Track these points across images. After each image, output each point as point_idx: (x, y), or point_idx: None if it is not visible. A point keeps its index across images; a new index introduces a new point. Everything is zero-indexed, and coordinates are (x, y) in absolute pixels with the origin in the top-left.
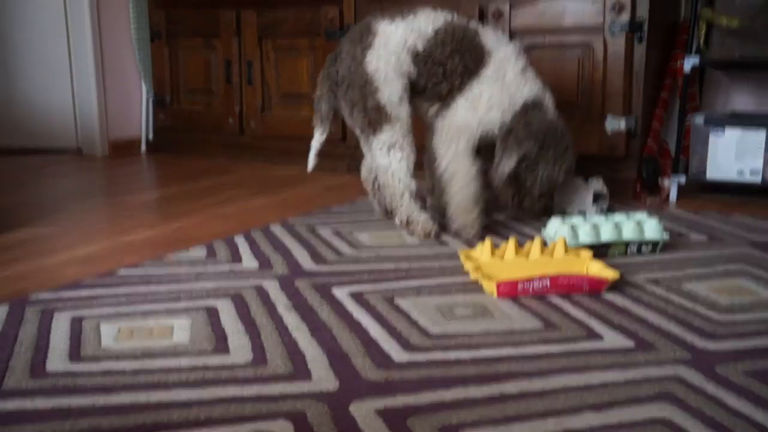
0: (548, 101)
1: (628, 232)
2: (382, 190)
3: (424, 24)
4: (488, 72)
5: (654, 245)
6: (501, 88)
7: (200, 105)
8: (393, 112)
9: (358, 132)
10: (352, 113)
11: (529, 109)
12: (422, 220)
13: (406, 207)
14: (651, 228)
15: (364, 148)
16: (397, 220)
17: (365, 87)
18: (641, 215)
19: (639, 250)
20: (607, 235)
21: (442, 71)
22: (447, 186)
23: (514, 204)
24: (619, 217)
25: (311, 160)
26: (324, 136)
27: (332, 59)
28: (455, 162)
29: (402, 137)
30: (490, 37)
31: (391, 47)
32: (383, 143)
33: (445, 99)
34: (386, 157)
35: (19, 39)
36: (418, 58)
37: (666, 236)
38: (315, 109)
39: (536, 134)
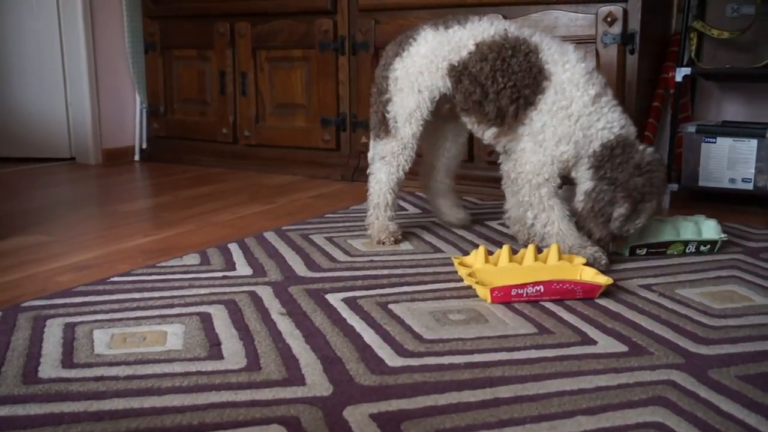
0: (631, 131)
1: (687, 232)
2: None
3: (467, 35)
4: (548, 99)
5: (712, 245)
6: (567, 118)
7: (194, 115)
8: (395, 127)
9: None
10: (371, 112)
11: (630, 145)
12: (378, 227)
13: (373, 214)
14: (709, 228)
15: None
16: (366, 223)
17: (381, 95)
18: (699, 216)
19: (698, 250)
20: (666, 234)
21: (480, 91)
22: (546, 237)
23: (600, 241)
24: (678, 218)
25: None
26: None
27: (381, 66)
28: (545, 215)
29: (392, 154)
30: (552, 55)
31: (419, 59)
32: (377, 152)
33: (502, 125)
34: (377, 164)
35: (13, 49)
36: (452, 73)
37: (724, 236)
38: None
39: (640, 186)
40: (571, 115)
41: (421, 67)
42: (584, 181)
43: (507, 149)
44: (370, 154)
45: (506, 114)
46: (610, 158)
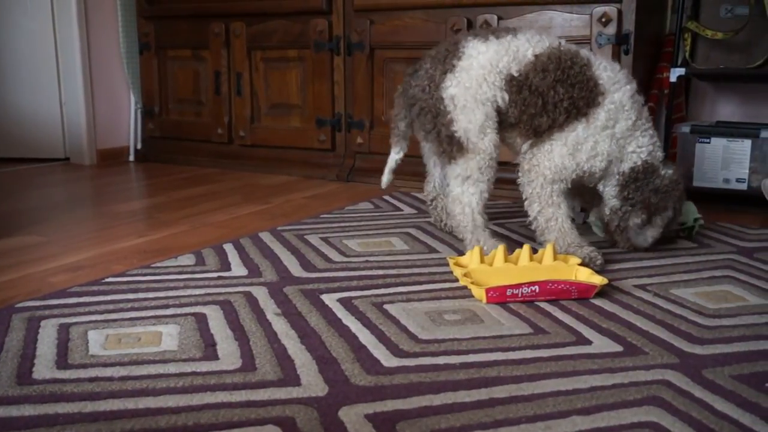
0: (658, 156)
1: None
2: (448, 214)
3: (524, 46)
4: (600, 115)
5: (689, 230)
6: (611, 137)
7: (189, 115)
8: (470, 143)
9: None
10: (426, 138)
11: (653, 171)
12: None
13: (473, 239)
14: (686, 212)
15: (429, 164)
16: (467, 250)
17: (439, 117)
18: None
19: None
20: None
21: (542, 103)
22: (546, 232)
23: (622, 244)
24: None
25: (385, 176)
26: (401, 155)
27: (410, 74)
28: (551, 210)
29: (478, 170)
30: (605, 73)
31: (476, 71)
32: (457, 174)
33: (543, 134)
34: (459, 187)
35: (7, 49)
36: (511, 84)
37: (700, 219)
38: (392, 126)
39: (654, 203)
40: (614, 135)
41: (479, 78)
42: (610, 197)
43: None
44: (429, 178)
45: (554, 125)
46: (633, 181)
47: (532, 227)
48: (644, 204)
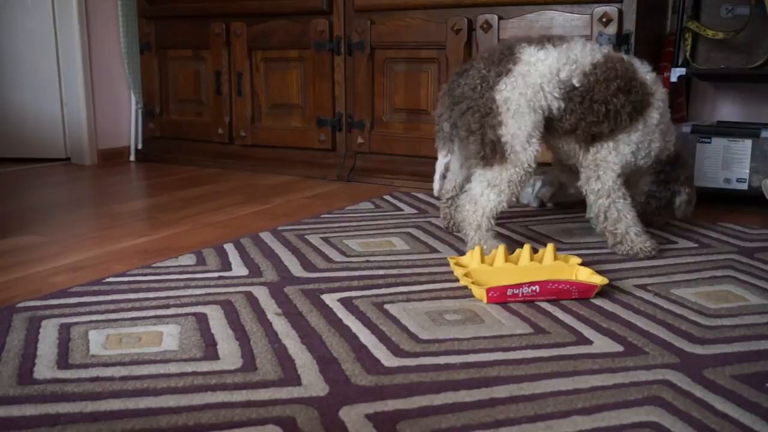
0: (678, 143)
1: None
2: (458, 211)
3: (581, 55)
4: (654, 115)
5: None
6: (661, 132)
7: (190, 115)
8: (513, 152)
9: (466, 151)
10: (467, 138)
11: (680, 155)
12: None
13: (476, 237)
14: None
15: (456, 164)
16: (467, 248)
17: (488, 117)
18: None
19: None
20: None
21: (605, 110)
22: (617, 222)
23: (658, 224)
24: None
25: (436, 183)
26: (448, 158)
27: (457, 74)
28: (622, 202)
29: (508, 183)
30: (648, 74)
31: (533, 78)
32: (486, 179)
33: (603, 137)
34: (481, 189)
35: (8, 49)
36: (572, 93)
37: None
38: (437, 128)
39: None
40: (663, 131)
41: (536, 86)
42: (646, 183)
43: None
44: (437, 175)
45: (616, 130)
46: (669, 165)
47: (599, 220)
48: (687, 182)
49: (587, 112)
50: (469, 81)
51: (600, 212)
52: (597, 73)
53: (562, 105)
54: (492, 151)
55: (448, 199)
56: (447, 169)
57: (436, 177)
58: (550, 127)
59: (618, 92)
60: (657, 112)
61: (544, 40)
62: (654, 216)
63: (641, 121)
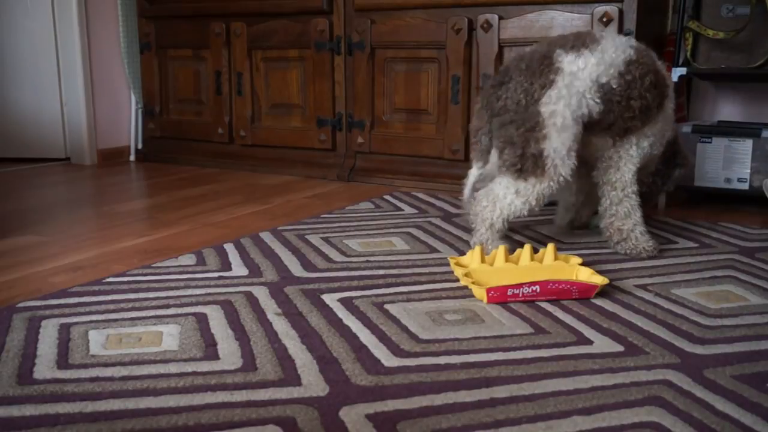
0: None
1: None
2: (473, 203)
3: (614, 55)
4: (670, 105)
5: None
6: (672, 121)
7: (190, 115)
8: (552, 165)
9: (498, 159)
10: (503, 150)
11: (675, 131)
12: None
13: (484, 235)
14: None
15: (494, 169)
16: (472, 241)
17: (533, 131)
18: None
19: None
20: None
21: (639, 105)
22: (626, 217)
23: (655, 195)
24: None
25: (467, 192)
26: (482, 171)
27: (494, 86)
28: (634, 197)
29: (536, 197)
30: (662, 65)
31: (577, 87)
32: (516, 188)
33: (631, 132)
34: (505, 192)
35: (7, 49)
36: (610, 95)
37: None
38: (474, 141)
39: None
40: (672, 118)
41: (579, 95)
42: (653, 164)
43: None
44: (469, 184)
45: (646, 122)
46: (670, 145)
47: (607, 213)
48: (684, 158)
49: (624, 110)
50: (510, 94)
51: (611, 205)
52: (632, 70)
53: (601, 108)
54: (533, 165)
55: (470, 198)
56: (479, 179)
57: (468, 187)
58: (586, 127)
59: (651, 87)
60: (671, 102)
61: (578, 43)
62: (659, 193)
63: (662, 113)
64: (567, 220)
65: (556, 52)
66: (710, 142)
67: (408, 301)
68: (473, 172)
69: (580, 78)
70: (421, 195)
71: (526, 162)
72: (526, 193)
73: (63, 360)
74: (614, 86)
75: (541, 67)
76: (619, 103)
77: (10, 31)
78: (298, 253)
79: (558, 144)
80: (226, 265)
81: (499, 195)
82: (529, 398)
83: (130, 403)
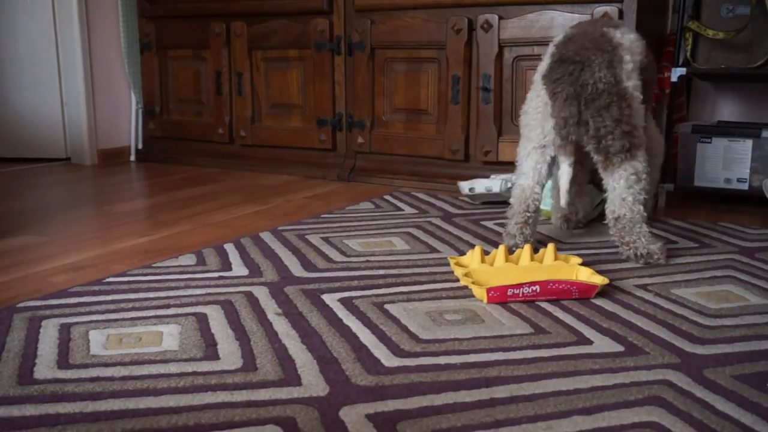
0: None
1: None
2: (621, 220)
3: (634, 34)
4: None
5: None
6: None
7: (190, 115)
8: (641, 136)
9: (598, 153)
10: (607, 134)
11: None
12: (657, 247)
13: (645, 236)
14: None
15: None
16: (637, 252)
17: (629, 107)
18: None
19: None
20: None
21: (646, 82)
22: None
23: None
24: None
25: (566, 194)
26: (572, 168)
27: (573, 73)
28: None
29: (644, 167)
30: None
31: (632, 62)
32: (632, 172)
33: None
34: (627, 188)
35: (7, 48)
36: (643, 72)
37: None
38: (563, 134)
39: None
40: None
41: (637, 70)
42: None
43: None
44: (567, 185)
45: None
46: None
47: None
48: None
49: (645, 86)
50: (598, 76)
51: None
52: (645, 48)
53: (640, 84)
54: (630, 140)
55: (615, 220)
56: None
57: (565, 187)
58: None
59: (652, 64)
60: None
61: (610, 24)
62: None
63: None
64: (562, 215)
65: (605, 30)
66: (710, 143)
67: (408, 301)
68: (568, 170)
69: (635, 52)
70: (421, 195)
71: (633, 138)
72: (640, 170)
73: (63, 360)
74: (645, 62)
75: (605, 44)
76: (642, 80)
77: (10, 30)
78: (299, 253)
79: (638, 117)
80: (227, 265)
81: (623, 196)
82: (529, 398)
83: (131, 403)
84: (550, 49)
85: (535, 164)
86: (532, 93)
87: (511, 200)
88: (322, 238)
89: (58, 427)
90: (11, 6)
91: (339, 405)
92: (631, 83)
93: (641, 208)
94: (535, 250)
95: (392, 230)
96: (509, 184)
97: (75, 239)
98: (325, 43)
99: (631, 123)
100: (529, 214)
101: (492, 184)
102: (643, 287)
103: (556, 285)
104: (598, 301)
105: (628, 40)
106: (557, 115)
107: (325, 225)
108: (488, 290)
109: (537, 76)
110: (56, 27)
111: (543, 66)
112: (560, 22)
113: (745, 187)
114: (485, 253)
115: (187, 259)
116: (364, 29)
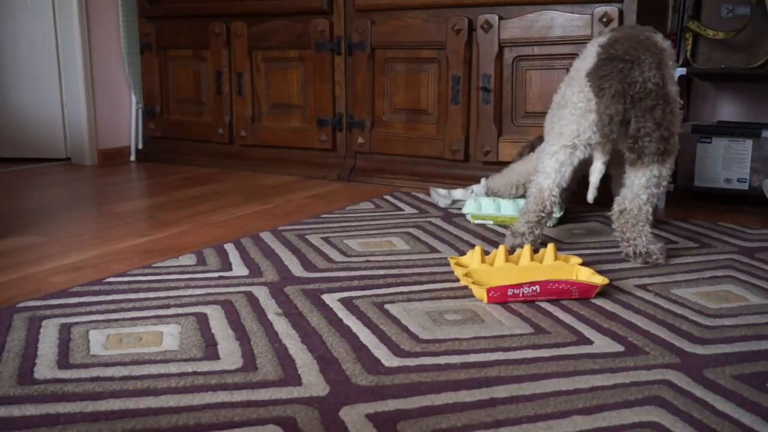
0: None
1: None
2: (626, 214)
3: (669, 42)
4: None
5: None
6: None
7: (190, 115)
8: (676, 144)
9: (631, 152)
10: (646, 136)
11: None
12: (658, 248)
13: (647, 235)
14: (507, 206)
15: (617, 173)
16: (637, 249)
17: (672, 112)
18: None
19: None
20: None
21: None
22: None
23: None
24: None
25: (592, 192)
26: (605, 165)
27: (622, 71)
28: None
29: (670, 174)
30: None
31: (674, 68)
32: (656, 174)
33: None
34: (645, 188)
35: (8, 49)
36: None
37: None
38: (605, 131)
39: None
40: None
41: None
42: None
43: None
44: (597, 180)
45: None
46: None
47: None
48: None
49: None
50: (646, 76)
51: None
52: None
53: None
54: (673, 147)
55: (620, 213)
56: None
57: (595, 184)
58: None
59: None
60: None
61: (650, 30)
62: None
63: None
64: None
65: (648, 34)
66: (710, 143)
67: (408, 301)
68: (601, 166)
69: (673, 60)
70: (421, 195)
71: (669, 145)
72: (666, 176)
73: (63, 360)
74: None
75: (654, 48)
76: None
77: (10, 30)
78: (299, 253)
79: (678, 125)
80: (227, 265)
81: (653, 194)
82: (529, 398)
83: (131, 403)
84: (594, 48)
85: (560, 166)
86: (574, 88)
87: (527, 198)
88: (322, 238)
89: (58, 427)
90: (11, 6)
91: (339, 405)
92: (675, 88)
93: (650, 209)
94: (535, 250)
95: (392, 230)
96: (470, 191)
97: (75, 239)
98: (325, 43)
99: (670, 129)
100: (543, 215)
101: (461, 194)
102: (643, 287)
103: (556, 285)
104: (598, 301)
105: (668, 46)
106: (603, 111)
107: (325, 225)
108: (488, 290)
109: (574, 73)
110: (56, 27)
111: (587, 63)
112: (560, 22)
113: (745, 187)
114: (485, 253)
115: (187, 259)
116: (364, 29)
